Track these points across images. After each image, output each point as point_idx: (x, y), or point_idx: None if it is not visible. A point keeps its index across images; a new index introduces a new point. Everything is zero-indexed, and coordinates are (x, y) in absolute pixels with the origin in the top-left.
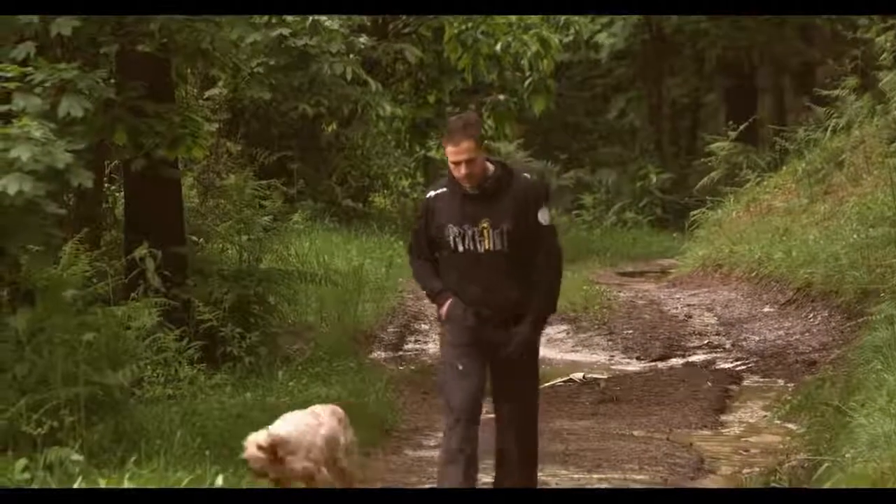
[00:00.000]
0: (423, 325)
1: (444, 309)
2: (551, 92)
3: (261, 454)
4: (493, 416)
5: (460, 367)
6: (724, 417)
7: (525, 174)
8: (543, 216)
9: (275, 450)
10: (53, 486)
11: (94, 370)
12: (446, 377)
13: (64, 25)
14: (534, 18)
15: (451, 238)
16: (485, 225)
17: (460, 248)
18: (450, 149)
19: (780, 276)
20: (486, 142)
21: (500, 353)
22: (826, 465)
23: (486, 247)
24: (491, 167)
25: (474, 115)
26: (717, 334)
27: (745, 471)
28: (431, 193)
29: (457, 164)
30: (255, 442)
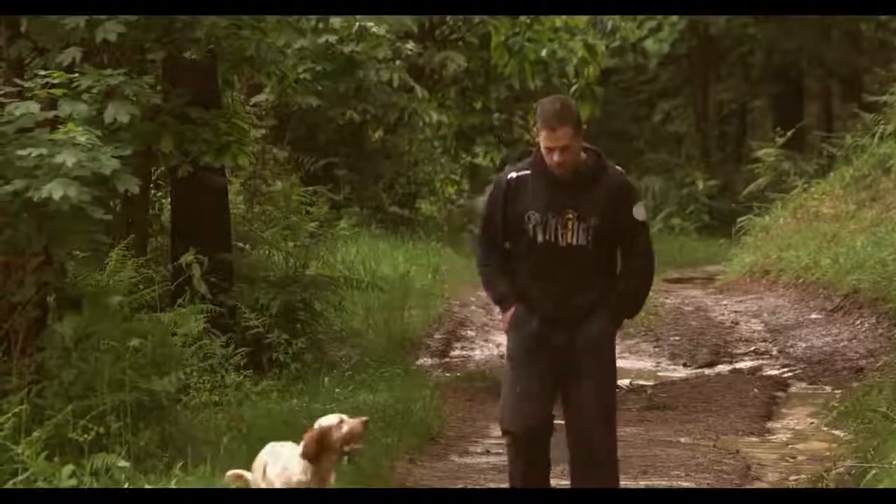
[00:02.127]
0: (469, 332)
1: (507, 318)
2: (597, 98)
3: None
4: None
5: (518, 390)
6: (770, 424)
7: (617, 166)
8: (639, 211)
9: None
10: None
11: (141, 376)
12: (506, 398)
13: (110, 31)
14: (580, 24)
15: (532, 226)
16: (570, 216)
17: (539, 239)
18: (545, 134)
19: (828, 283)
20: (581, 128)
21: (572, 351)
22: (874, 471)
23: (569, 240)
24: (583, 155)
25: (568, 98)
26: (764, 341)
27: (791, 478)
28: (513, 175)
29: (551, 150)
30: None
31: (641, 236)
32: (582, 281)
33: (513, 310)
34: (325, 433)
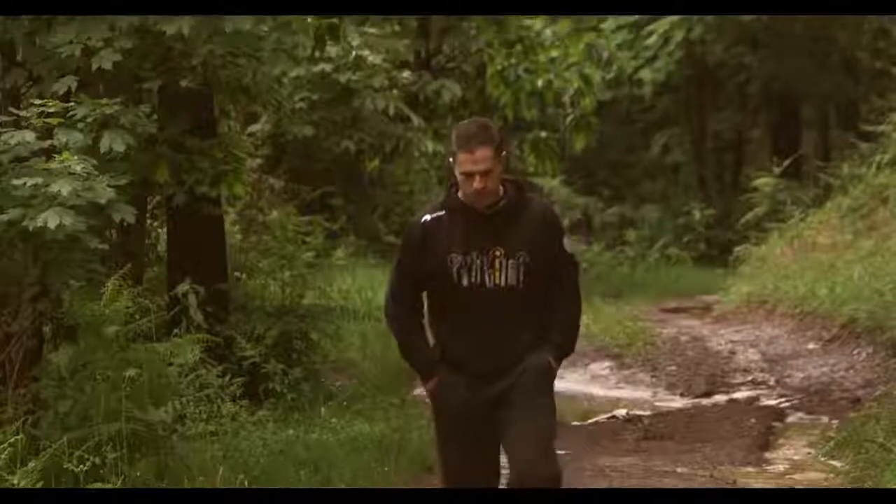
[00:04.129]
0: None
1: (432, 388)
2: (593, 128)
3: None
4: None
5: (455, 466)
6: (768, 454)
7: (535, 196)
8: (568, 244)
9: None
10: None
11: (137, 407)
12: (445, 476)
13: (105, 59)
14: (576, 55)
15: (455, 269)
16: (498, 254)
17: (464, 282)
18: (462, 157)
19: (825, 313)
20: (504, 153)
21: (507, 393)
22: None
23: (498, 281)
24: (501, 186)
25: (487, 120)
26: (762, 371)
27: None
28: (426, 217)
29: (469, 175)
30: None
31: (573, 274)
32: (514, 326)
33: (436, 379)
34: None
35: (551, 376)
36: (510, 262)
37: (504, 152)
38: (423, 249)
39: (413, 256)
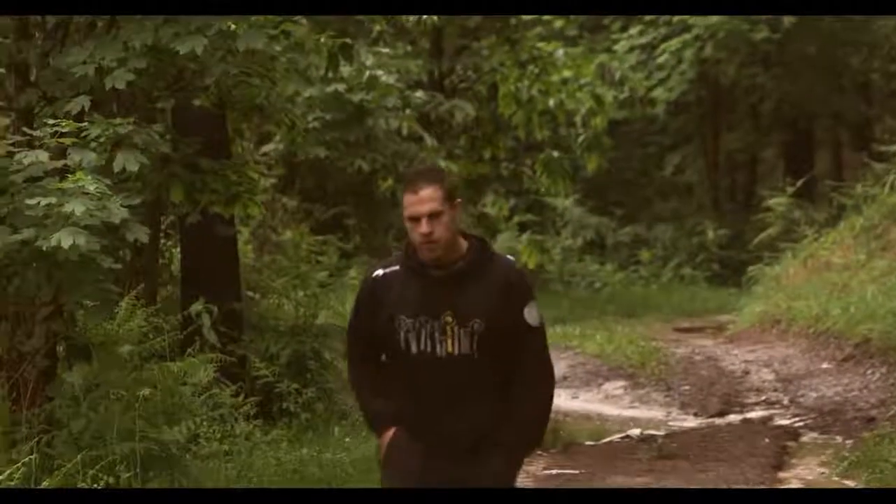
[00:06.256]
0: None
1: (383, 446)
2: (605, 148)
3: None
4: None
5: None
6: (781, 474)
7: (508, 256)
8: (531, 314)
9: None
10: None
11: (151, 426)
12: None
13: (119, 79)
14: (588, 75)
15: (402, 334)
16: (448, 319)
17: (413, 350)
18: (406, 199)
19: (839, 333)
20: (457, 200)
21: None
22: None
23: (449, 349)
24: (464, 243)
25: (437, 166)
26: (775, 390)
27: None
28: (379, 272)
29: (415, 220)
30: None
31: (536, 344)
32: (465, 401)
33: (391, 434)
34: None
35: (510, 485)
36: (462, 329)
37: (458, 200)
38: (372, 308)
39: (363, 315)
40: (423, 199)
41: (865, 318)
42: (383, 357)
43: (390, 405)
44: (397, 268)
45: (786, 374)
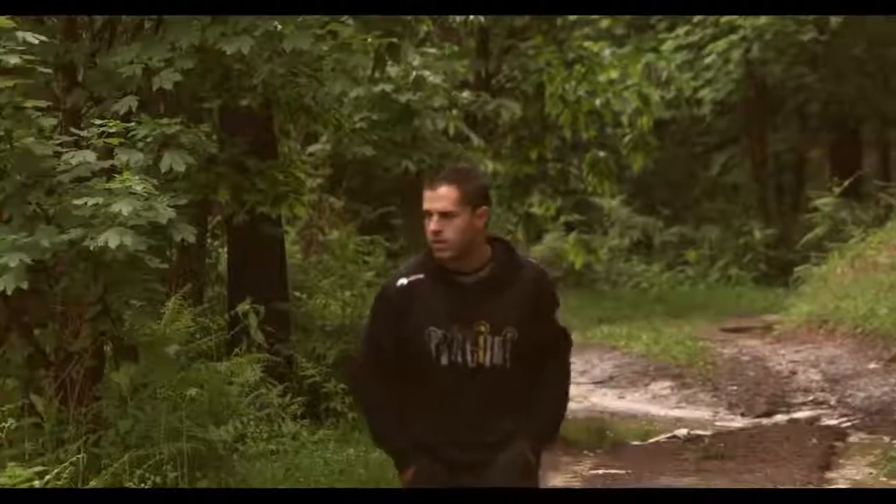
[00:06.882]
0: None
1: (408, 480)
2: (651, 148)
3: None
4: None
5: None
6: (829, 475)
7: (532, 259)
8: (560, 320)
9: None
10: None
11: (198, 426)
12: None
13: (166, 79)
14: (634, 76)
15: (433, 346)
16: (482, 328)
17: (444, 362)
18: (425, 193)
19: (886, 332)
20: (484, 207)
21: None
22: None
23: (482, 360)
24: (488, 248)
25: (471, 168)
26: (822, 391)
27: None
28: (402, 281)
29: (427, 215)
30: None
31: (564, 351)
32: (495, 412)
33: (414, 469)
34: None
35: (532, 475)
36: (496, 338)
37: (483, 207)
38: (398, 319)
39: (387, 325)
40: (438, 196)
41: None
42: (401, 368)
43: (409, 432)
44: (422, 276)
45: (833, 374)
